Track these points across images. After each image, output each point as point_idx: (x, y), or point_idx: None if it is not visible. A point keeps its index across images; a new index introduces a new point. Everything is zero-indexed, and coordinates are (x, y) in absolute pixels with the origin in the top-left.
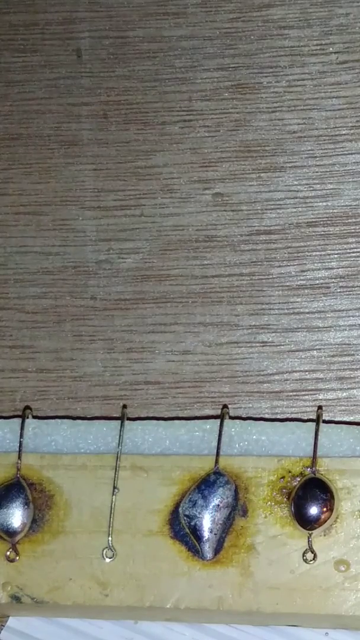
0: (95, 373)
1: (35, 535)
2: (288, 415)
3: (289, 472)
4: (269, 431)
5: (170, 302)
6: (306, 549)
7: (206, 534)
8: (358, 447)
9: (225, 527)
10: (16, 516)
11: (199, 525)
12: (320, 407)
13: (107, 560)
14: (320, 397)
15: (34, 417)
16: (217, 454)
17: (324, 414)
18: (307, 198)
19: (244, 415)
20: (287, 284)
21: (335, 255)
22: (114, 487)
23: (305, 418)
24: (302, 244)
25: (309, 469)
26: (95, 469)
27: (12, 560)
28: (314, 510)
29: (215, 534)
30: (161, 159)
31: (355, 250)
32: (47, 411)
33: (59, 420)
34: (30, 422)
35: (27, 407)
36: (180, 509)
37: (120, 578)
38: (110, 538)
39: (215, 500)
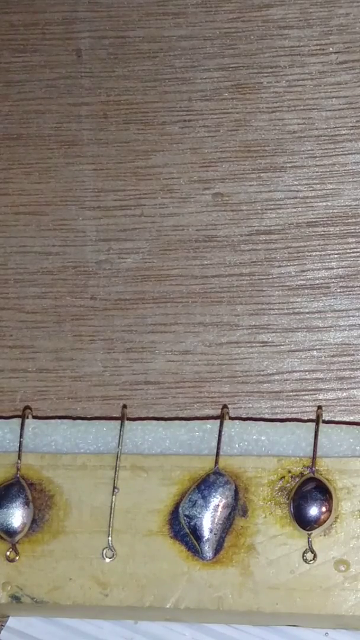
0: (95, 373)
1: (35, 535)
2: (288, 415)
3: (289, 472)
4: (269, 431)
5: (170, 302)
6: (306, 549)
7: (206, 534)
8: (358, 447)
9: (225, 527)
10: (16, 516)
11: (199, 525)
12: (320, 407)
13: (107, 560)
14: (320, 397)
15: (34, 417)
16: (217, 454)
17: (324, 414)
18: (307, 198)
19: (244, 415)
20: (287, 284)
21: (335, 255)
22: (114, 487)
23: (305, 418)
24: (302, 244)
25: (308, 469)
26: (95, 469)
27: (12, 560)
28: (312, 510)
29: (215, 534)
30: (161, 159)
31: (355, 250)
32: (47, 411)
33: (59, 420)
34: (30, 422)
35: (27, 407)
36: (180, 509)
37: (120, 578)
38: (110, 538)
39: (215, 500)
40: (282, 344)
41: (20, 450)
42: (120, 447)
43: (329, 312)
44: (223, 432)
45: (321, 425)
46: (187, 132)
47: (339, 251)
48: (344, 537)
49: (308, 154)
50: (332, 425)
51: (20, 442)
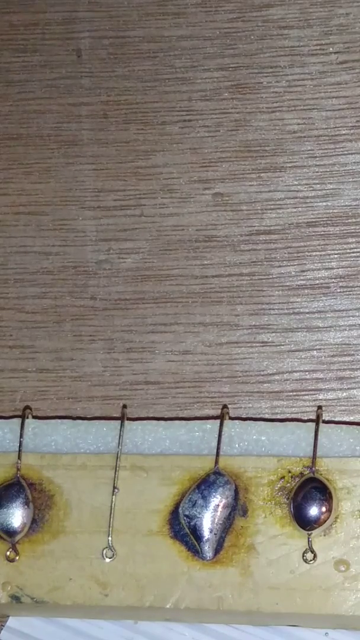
0: (95, 373)
1: (35, 535)
2: (288, 415)
3: (289, 472)
4: (269, 431)
5: (170, 302)
6: (306, 549)
7: (206, 534)
8: (358, 447)
9: (225, 527)
10: (16, 516)
11: (199, 525)
12: (320, 407)
13: (107, 560)
14: (320, 397)
15: (34, 417)
16: (217, 454)
17: (324, 414)
18: (307, 198)
19: (244, 415)
20: (287, 284)
21: (335, 255)
22: (114, 487)
23: (305, 418)
24: (302, 244)
25: (308, 469)
26: (95, 469)
27: (12, 560)
28: (312, 510)
29: (215, 534)
30: (161, 159)
31: (355, 250)
32: (47, 411)
33: (59, 420)
34: (30, 422)
35: (27, 407)
36: (180, 509)
37: (120, 578)
38: (110, 538)
39: (215, 500)
40: (282, 344)
41: (20, 450)
42: (120, 447)
43: (329, 312)
44: (223, 432)
45: (321, 425)
46: (187, 132)
47: (339, 251)
48: (344, 537)
49: (308, 154)
50: (332, 425)
51: (20, 442)
